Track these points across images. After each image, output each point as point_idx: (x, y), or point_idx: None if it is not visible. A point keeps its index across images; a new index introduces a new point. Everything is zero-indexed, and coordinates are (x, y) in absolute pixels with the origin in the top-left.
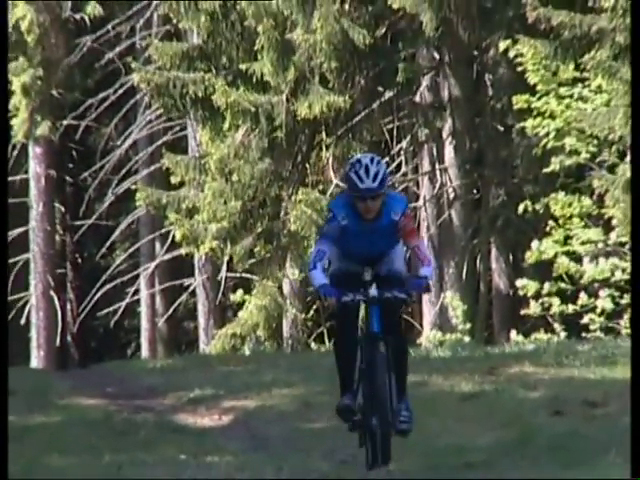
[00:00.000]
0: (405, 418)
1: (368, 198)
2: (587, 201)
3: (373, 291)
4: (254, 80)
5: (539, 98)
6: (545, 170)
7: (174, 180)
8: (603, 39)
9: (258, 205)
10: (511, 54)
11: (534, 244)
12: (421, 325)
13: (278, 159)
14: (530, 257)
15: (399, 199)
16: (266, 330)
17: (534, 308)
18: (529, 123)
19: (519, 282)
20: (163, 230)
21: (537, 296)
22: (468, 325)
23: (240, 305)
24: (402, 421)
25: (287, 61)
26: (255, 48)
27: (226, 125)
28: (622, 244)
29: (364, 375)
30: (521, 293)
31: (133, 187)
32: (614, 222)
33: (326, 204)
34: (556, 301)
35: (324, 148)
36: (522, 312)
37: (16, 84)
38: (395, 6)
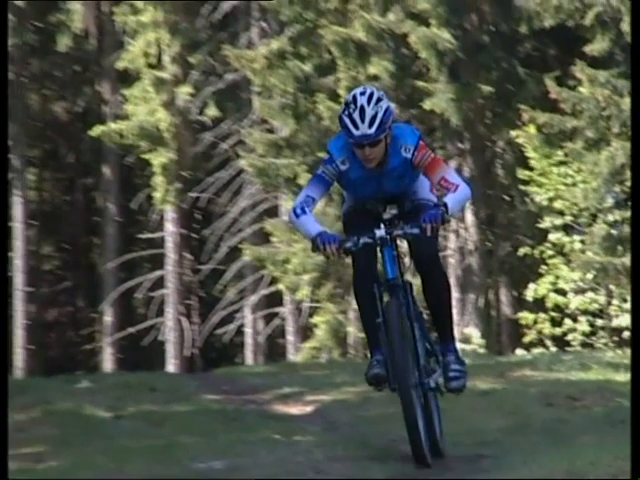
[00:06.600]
0: (455, 373)
1: (365, 145)
2: (577, 244)
3: (380, 231)
4: None
5: (536, 172)
6: (539, 226)
7: (274, 240)
8: (576, 134)
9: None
10: (518, 141)
11: (531, 286)
12: None
13: None
14: (529, 295)
15: (408, 132)
16: (330, 339)
17: (530, 336)
18: (530, 190)
19: (520, 314)
20: (262, 273)
21: (534, 322)
22: (483, 341)
23: (317, 327)
24: (452, 377)
25: None
26: None
27: None
28: (597, 283)
29: (382, 329)
30: (522, 322)
31: (239, 245)
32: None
33: None
34: (548, 325)
35: None
36: (524, 340)
37: (157, 167)
38: (426, 107)
